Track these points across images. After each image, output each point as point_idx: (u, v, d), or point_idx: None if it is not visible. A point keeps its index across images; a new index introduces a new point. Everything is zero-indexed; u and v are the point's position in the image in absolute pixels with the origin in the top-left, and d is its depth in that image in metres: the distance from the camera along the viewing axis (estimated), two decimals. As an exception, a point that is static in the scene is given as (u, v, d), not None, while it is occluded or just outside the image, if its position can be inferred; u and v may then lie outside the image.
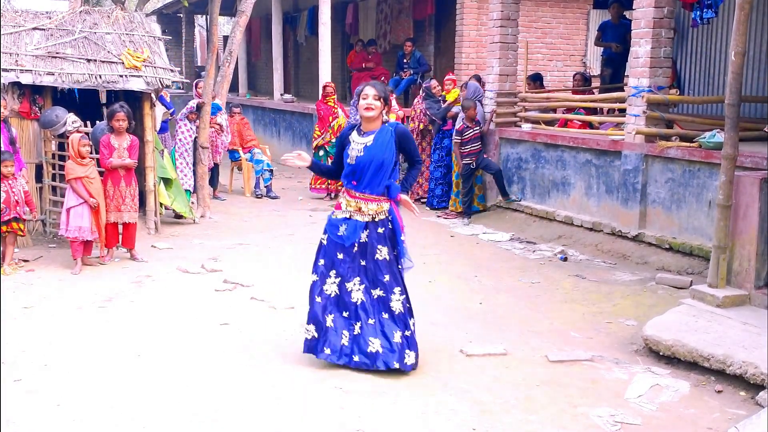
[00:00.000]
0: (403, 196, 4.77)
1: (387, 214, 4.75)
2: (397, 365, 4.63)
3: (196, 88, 11.01)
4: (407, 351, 4.67)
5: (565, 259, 7.73)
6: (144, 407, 4.20)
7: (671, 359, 4.91)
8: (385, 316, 4.70)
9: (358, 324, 4.69)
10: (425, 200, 10.72)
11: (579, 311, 6.09)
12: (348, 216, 4.73)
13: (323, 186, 11.47)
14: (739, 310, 5.24)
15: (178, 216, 9.39)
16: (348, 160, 4.71)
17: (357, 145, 4.69)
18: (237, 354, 5.03)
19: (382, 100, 4.68)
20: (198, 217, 9.66)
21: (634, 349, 5.21)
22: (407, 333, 4.71)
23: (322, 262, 4.77)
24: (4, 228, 7.00)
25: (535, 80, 10.80)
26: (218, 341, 5.28)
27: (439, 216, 10.05)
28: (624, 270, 7.24)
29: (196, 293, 6.45)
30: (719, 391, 4.52)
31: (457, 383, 4.59)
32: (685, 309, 5.32)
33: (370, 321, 4.69)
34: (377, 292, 4.71)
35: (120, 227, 7.57)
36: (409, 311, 4.79)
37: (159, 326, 5.59)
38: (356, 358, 4.68)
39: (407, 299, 4.78)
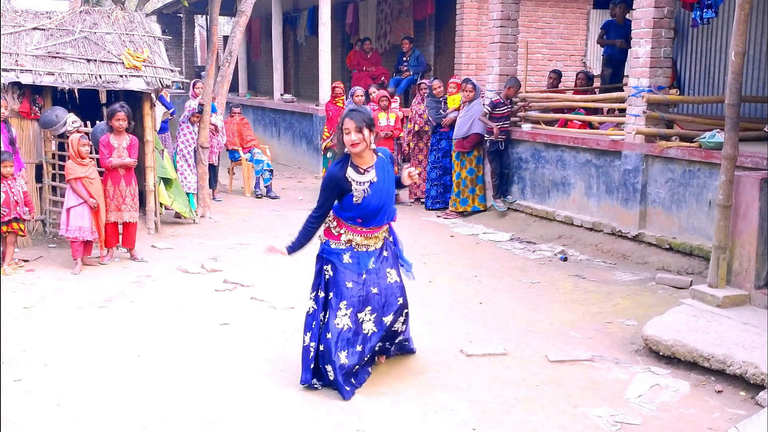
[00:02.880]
0: (406, 173, 4.47)
1: (388, 235, 4.68)
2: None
3: (193, 88, 11.01)
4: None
5: (565, 259, 7.73)
6: (144, 407, 4.20)
7: (671, 359, 4.91)
8: (387, 344, 4.77)
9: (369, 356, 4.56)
10: (424, 200, 10.75)
11: (579, 311, 6.09)
12: (349, 246, 4.45)
13: None
14: (739, 310, 5.24)
15: (178, 216, 9.39)
16: (354, 201, 4.34)
17: (360, 185, 4.32)
18: (237, 354, 5.03)
19: (367, 128, 4.28)
20: (198, 217, 9.67)
21: (634, 349, 5.21)
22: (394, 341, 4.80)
23: (322, 294, 4.48)
24: (4, 228, 7.00)
25: (556, 74, 10.80)
26: (218, 341, 5.28)
27: (439, 216, 10.05)
28: (624, 270, 7.24)
29: (196, 293, 6.46)
30: (719, 391, 4.52)
31: (457, 383, 4.59)
32: (685, 309, 5.32)
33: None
34: (389, 318, 4.55)
35: (120, 227, 7.58)
36: (406, 325, 4.84)
37: (159, 326, 5.59)
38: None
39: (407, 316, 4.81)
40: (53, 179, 8.47)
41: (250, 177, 11.92)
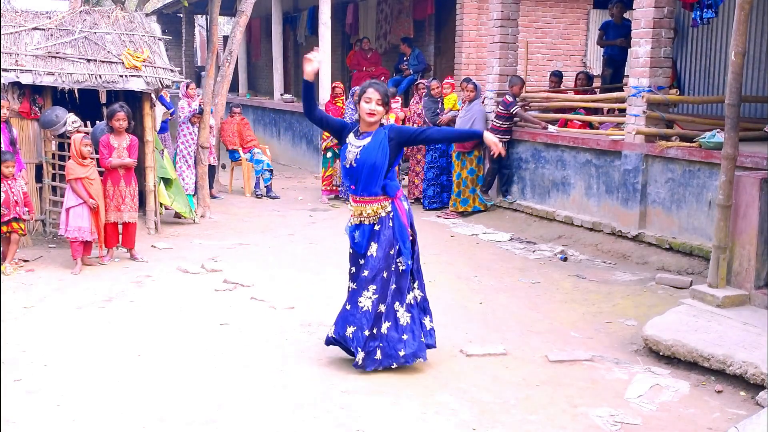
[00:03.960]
0: (487, 135, 4.62)
1: (389, 212, 4.68)
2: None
3: (186, 88, 11.00)
4: (358, 348, 4.65)
5: (565, 259, 7.73)
6: (144, 407, 4.20)
7: (671, 359, 4.91)
8: (347, 306, 4.72)
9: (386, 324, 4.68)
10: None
11: (579, 311, 6.09)
12: (359, 222, 4.74)
13: (328, 188, 11.43)
14: (739, 310, 5.24)
15: (178, 216, 9.39)
16: (344, 163, 4.72)
17: (353, 148, 4.64)
18: (237, 354, 5.03)
19: (384, 105, 4.60)
20: (198, 217, 9.67)
21: (634, 349, 5.21)
22: (365, 332, 4.61)
23: (353, 270, 4.84)
24: (4, 228, 7.00)
25: (558, 77, 10.79)
26: (218, 341, 5.28)
27: (439, 216, 10.06)
28: (624, 270, 7.24)
29: (196, 293, 6.45)
30: (719, 391, 4.52)
31: (457, 383, 4.59)
32: (685, 309, 5.32)
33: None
34: (352, 286, 4.75)
35: (120, 227, 7.58)
36: (378, 316, 4.65)
37: (159, 326, 5.59)
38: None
39: (382, 301, 4.65)
40: (53, 179, 8.47)
41: (250, 177, 11.92)
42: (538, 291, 6.67)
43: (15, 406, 4.19)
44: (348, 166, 4.69)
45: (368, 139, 4.62)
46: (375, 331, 4.64)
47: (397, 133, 4.67)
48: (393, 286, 4.69)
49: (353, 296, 4.70)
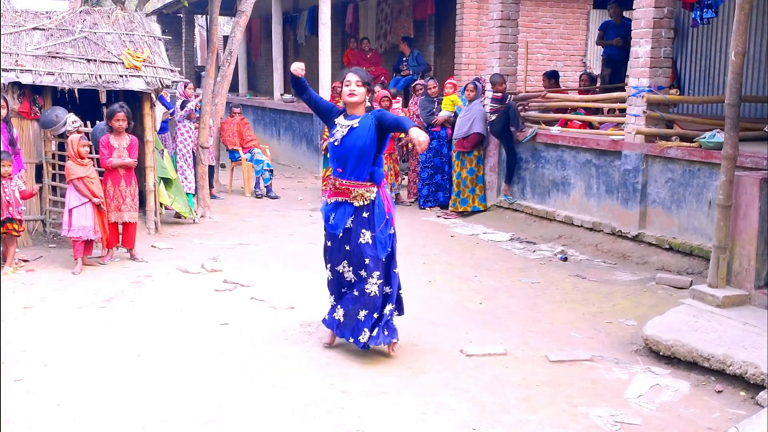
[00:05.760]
0: (413, 130, 4.54)
1: (374, 199, 4.85)
2: (351, 340, 4.90)
3: (185, 88, 11.00)
4: (365, 329, 4.83)
5: (565, 259, 7.73)
6: (144, 407, 4.20)
7: (671, 359, 4.91)
8: (356, 293, 4.88)
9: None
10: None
11: (579, 311, 6.09)
12: (338, 201, 4.90)
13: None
14: (739, 310, 5.24)
15: (178, 216, 9.39)
16: (333, 142, 4.85)
17: (342, 128, 4.82)
18: (237, 354, 5.03)
19: (365, 86, 4.83)
20: (198, 217, 9.67)
21: (634, 349, 5.22)
22: (375, 315, 4.87)
23: (329, 244, 5.05)
24: (2, 229, 6.98)
25: (551, 77, 10.79)
26: (218, 341, 5.28)
27: (439, 216, 10.06)
28: (624, 270, 7.24)
29: (196, 293, 6.45)
30: (719, 391, 4.52)
31: (457, 383, 4.59)
32: (685, 309, 5.32)
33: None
34: (362, 273, 4.88)
35: (120, 227, 7.57)
36: (385, 297, 4.92)
37: (159, 326, 5.59)
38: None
39: (387, 284, 4.93)
40: (53, 179, 8.47)
41: (250, 177, 11.92)
42: (538, 291, 6.67)
43: (15, 406, 4.19)
44: (336, 144, 4.82)
45: (356, 121, 4.80)
46: (381, 312, 4.92)
47: (381, 116, 4.81)
48: (396, 270, 4.98)
49: (359, 285, 4.87)
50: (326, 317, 5.14)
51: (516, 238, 8.74)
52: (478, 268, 7.44)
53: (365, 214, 4.84)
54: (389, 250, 4.92)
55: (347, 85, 4.83)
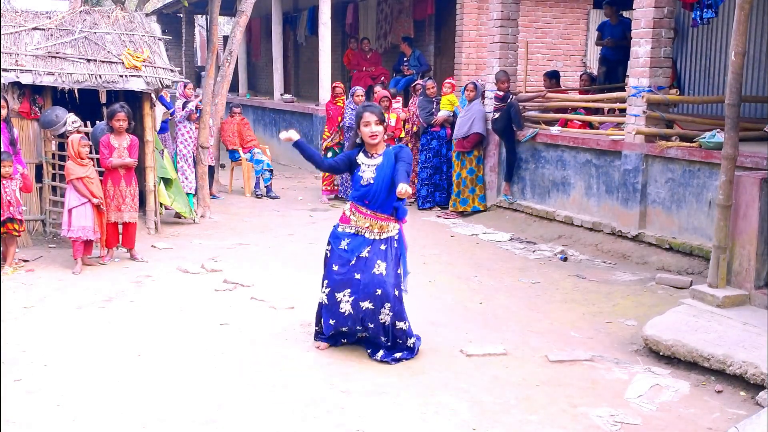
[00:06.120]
0: (400, 185, 4.61)
1: (395, 234, 4.93)
2: (383, 358, 4.92)
3: (185, 88, 11.00)
4: (395, 352, 4.93)
5: (565, 259, 7.73)
6: (144, 407, 4.20)
7: (671, 359, 4.91)
8: (371, 325, 4.89)
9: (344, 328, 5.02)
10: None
11: (579, 311, 6.09)
12: (355, 232, 4.91)
13: (328, 188, 11.43)
14: (739, 310, 5.24)
15: (178, 216, 9.39)
16: (361, 183, 4.87)
17: (368, 168, 4.86)
18: (237, 354, 5.03)
19: (382, 123, 4.88)
20: (198, 217, 9.67)
21: (634, 349, 5.22)
22: (383, 338, 4.92)
23: (335, 267, 4.98)
24: (2, 229, 6.98)
25: (552, 77, 10.79)
26: (218, 341, 5.28)
27: (439, 216, 10.06)
28: (624, 270, 7.24)
29: (196, 293, 6.45)
30: (719, 391, 4.52)
31: (457, 383, 4.59)
32: (685, 309, 5.32)
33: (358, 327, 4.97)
34: (366, 305, 4.84)
35: (120, 227, 7.57)
36: (402, 331, 4.92)
37: (159, 326, 5.59)
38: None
39: (400, 319, 4.91)
40: (53, 179, 8.47)
41: (250, 177, 11.92)
42: (537, 291, 6.67)
43: (15, 406, 4.19)
44: (366, 184, 4.84)
45: (380, 159, 4.85)
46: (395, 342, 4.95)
47: (397, 155, 4.85)
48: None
49: (373, 315, 4.86)
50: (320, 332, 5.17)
51: (516, 238, 8.74)
52: (478, 268, 7.44)
53: (383, 247, 4.87)
54: (403, 289, 5.00)
55: (366, 126, 4.84)
